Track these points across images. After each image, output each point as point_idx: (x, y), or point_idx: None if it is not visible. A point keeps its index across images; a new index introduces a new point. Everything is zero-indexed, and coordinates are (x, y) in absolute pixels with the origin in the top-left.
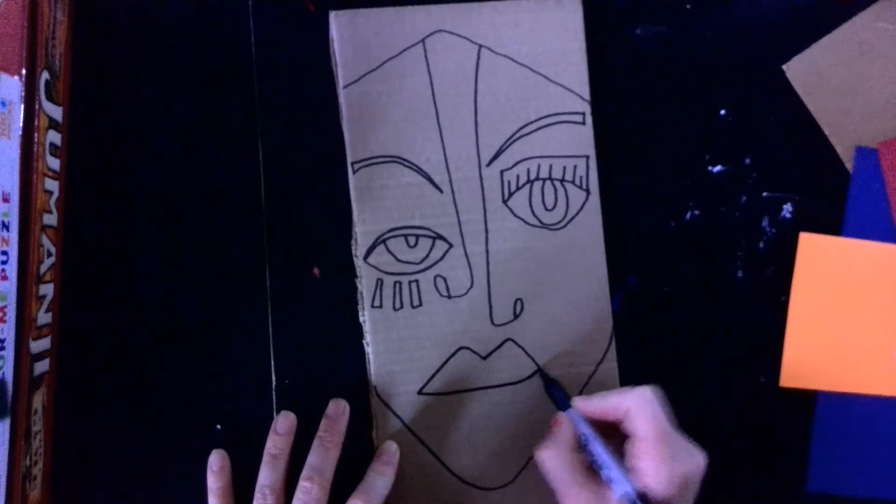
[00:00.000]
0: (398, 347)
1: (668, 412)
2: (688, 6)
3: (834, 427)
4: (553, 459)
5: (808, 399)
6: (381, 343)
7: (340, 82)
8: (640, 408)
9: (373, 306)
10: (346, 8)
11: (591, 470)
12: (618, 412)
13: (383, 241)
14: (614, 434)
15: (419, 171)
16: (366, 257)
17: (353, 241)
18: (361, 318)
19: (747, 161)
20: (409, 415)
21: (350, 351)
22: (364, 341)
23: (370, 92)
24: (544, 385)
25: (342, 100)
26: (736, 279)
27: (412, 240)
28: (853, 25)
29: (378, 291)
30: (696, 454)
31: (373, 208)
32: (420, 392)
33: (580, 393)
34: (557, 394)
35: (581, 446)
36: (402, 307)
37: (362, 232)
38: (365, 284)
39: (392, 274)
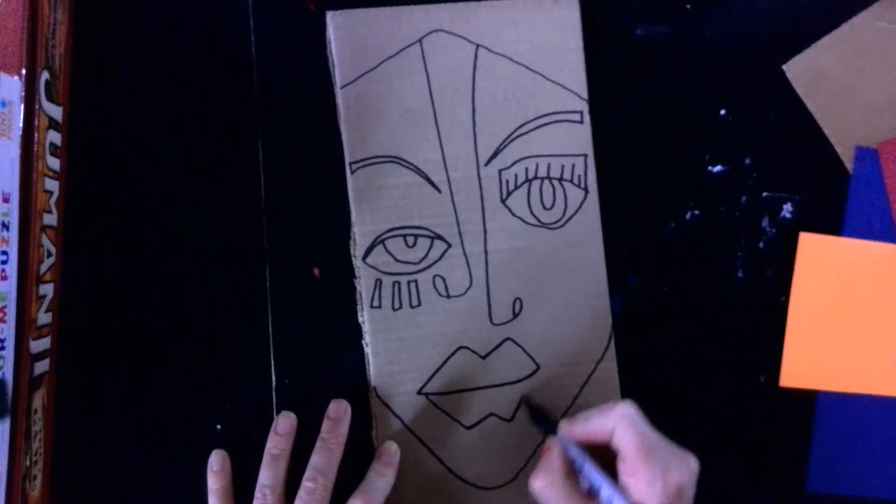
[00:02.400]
0: (397, 347)
1: (649, 424)
2: (688, 6)
3: (834, 427)
4: (548, 488)
5: (808, 399)
6: (380, 343)
7: (338, 82)
8: (624, 426)
9: (372, 306)
10: (346, 8)
11: (586, 496)
12: (604, 433)
13: (382, 242)
14: (604, 454)
15: (417, 171)
16: (364, 257)
17: (351, 242)
18: (360, 319)
19: (747, 161)
20: (409, 415)
21: (350, 351)
22: (363, 342)
23: (367, 92)
24: (529, 412)
25: (339, 100)
26: (736, 279)
27: (411, 240)
28: (853, 25)
29: (377, 291)
30: (687, 460)
31: (371, 208)
32: (420, 392)
33: (579, 392)
34: (544, 420)
35: (574, 471)
36: (400, 307)
37: (361, 232)
38: (364, 285)
39: (391, 274)
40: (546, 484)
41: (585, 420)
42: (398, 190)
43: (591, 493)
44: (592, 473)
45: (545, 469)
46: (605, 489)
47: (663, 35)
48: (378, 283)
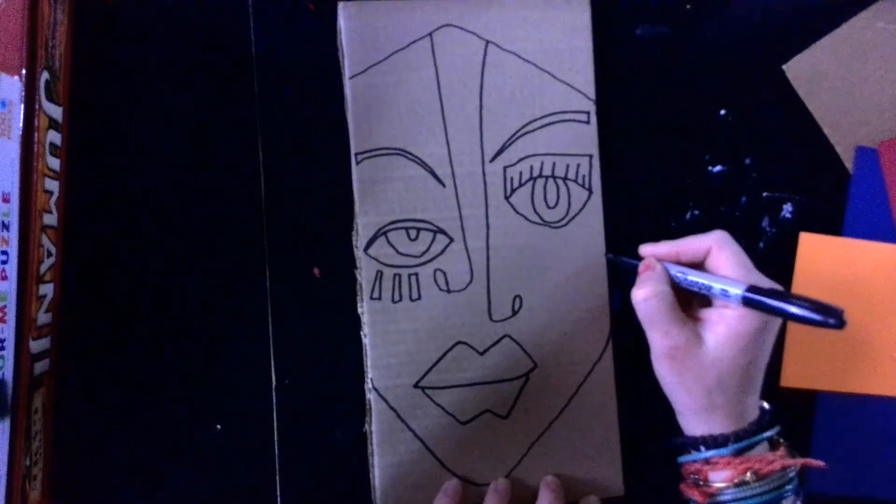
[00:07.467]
0: (395, 340)
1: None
2: (688, 6)
3: (834, 427)
4: (654, 297)
5: (808, 399)
6: (378, 335)
7: (346, 73)
8: (722, 245)
9: (372, 298)
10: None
11: (691, 300)
12: (698, 252)
13: (384, 234)
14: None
15: (422, 164)
16: (366, 249)
17: (353, 233)
18: (360, 310)
19: (747, 161)
20: (405, 408)
21: (350, 351)
22: (361, 332)
23: (376, 84)
24: (609, 263)
25: (348, 91)
26: None
27: (413, 233)
28: (853, 25)
29: (377, 283)
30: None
31: (375, 200)
32: (416, 385)
33: (576, 392)
34: (625, 261)
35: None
36: (400, 300)
37: (363, 223)
38: (364, 276)
39: (392, 266)
40: (651, 292)
41: (676, 242)
42: (403, 182)
43: (697, 298)
44: (700, 275)
45: (650, 280)
46: (718, 283)
47: (663, 35)
48: (379, 275)
